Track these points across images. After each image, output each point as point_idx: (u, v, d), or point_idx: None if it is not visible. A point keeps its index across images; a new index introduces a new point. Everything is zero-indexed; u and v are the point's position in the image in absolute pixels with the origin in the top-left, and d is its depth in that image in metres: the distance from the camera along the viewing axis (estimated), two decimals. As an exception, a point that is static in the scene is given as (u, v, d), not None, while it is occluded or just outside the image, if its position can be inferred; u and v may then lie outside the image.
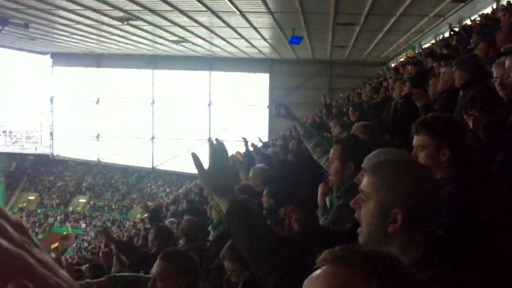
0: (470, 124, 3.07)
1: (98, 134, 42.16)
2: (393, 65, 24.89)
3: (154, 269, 2.61)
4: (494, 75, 3.64)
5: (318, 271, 1.02)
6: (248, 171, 5.49)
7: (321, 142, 4.16)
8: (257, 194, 4.78)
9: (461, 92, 4.49)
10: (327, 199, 3.19)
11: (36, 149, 50.31)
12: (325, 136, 5.17)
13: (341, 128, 5.02)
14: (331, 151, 3.11)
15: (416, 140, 2.52)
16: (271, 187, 4.40)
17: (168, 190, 45.23)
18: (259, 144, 14.07)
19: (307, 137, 4.26)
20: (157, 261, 2.64)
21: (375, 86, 12.76)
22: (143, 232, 11.90)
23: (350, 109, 7.41)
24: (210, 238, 4.90)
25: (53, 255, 41.34)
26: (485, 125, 2.98)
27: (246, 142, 10.48)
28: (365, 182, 1.63)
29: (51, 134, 44.31)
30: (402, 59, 23.15)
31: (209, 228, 4.95)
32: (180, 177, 43.68)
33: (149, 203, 23.02)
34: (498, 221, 2.61)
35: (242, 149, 15.81)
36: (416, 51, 16.53)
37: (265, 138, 24.97)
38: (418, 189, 1.56)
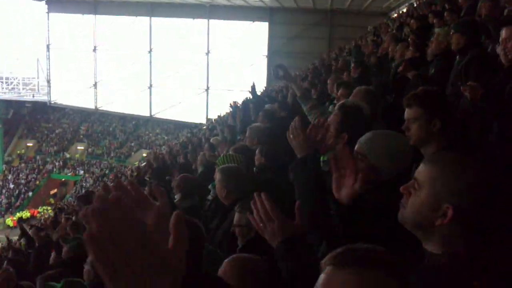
0: (468, 95, 3.03)
1: (96, 82, 41.80)
2: (395, 15, 24.38)
3: None
4: (503, 36, 3.39)
5: (339, 275, 1.04)
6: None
7: (316, 104, 4.13)
8: (253, 153, 4.77)
9: (457, 57, 4.40)
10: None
11: (33, 96, 50.01)
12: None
13: (345, 90, 4.84)
14: (332, 115, 3.11)
15: (408, 112, 2.61)
16: (264, 147, 4.39)
17: (165, 138, 45.40)
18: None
19: (303, 99, 4.23)
20: None
21: (373, 40, 12.45)
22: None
23: (352, 64, 7.26)
24: (210, 197, 4.90)
25: (51, 201, 42.07)
26: (482, 95, 2.95)
27: (254, 88, 10.25)
28: (421, 170, 1.62)
29: (48, 81, 43.88)
30: (404, 10, 22.61)
31: (210, 186, 4.95)
32: (177, 126, 43.75)
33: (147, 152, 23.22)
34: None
35: (240, 99, 15.78)
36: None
37: (263, 88, 24.79)
38: (474, 192, 1.54)
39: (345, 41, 23.58)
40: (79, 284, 3.29)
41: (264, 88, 17.14)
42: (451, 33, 4.49)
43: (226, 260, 2.21)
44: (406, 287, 1.04)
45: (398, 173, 2.19)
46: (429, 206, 1.55)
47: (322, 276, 1.08)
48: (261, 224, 1.88)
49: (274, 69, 4.22)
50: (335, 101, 5.41)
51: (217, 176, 3.66)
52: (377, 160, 2.21)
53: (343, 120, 2.93)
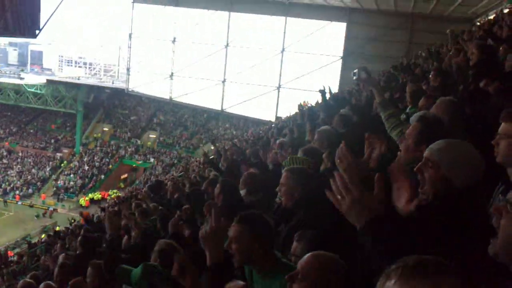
0: None
1: (172, 73, 42.99)
2: (479, 22, 23.20)
3: (230, 232, 2.65)
4: None
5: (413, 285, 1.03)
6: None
7: (396, 113, 3.96)
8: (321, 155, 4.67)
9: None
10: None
11: (113, 83, 52.26)
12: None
13: (427, 100, 4.63)
14: (410, 127, 2.96)
15: (502, 127, 2.43)
16: (332, 151, 4.27)
17: (234, 133, 45.97)
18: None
19: (383, 106, 4.07)
20: (233, 224, 2.67)
21: (456, 48, 11.81)
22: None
23: (432, 72, 6.90)
24: (278, 199, 4.84)
25: (121, 185, 43.84)
26: None
27: (323, 92, 10.05)
28: None
29: (128, 69, 45.68)
30: (491, 17, 21.46)
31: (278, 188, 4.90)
32: (247, 122, 44.15)
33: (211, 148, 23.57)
34: None
35: (311, 99, 15.72)
36: None
37: (335, 90, 24.50)
38: None
39: (425, 47, 22.75)
40: (157, 269, 3.38)
41: (335, 90, 16.92)
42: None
43: (310, 254, 2.16)
44: None
45: (469, 185, 2.08)
46: None
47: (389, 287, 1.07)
48: (338, 197, 1.78)
49: (357, 71, 4.10)
50: (407, 111, 5.19)
51: (284, 175, 3.58)
52: (448, 169, 2.11)
53: (422, 132, 2.79)
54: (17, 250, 27.19)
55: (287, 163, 4.48)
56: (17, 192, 43.30)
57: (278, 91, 39.48)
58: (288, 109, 19.93)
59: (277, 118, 26.34)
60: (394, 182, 2.04)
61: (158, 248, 3.75)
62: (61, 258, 6.34)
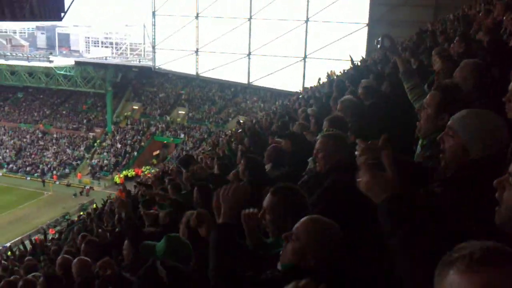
0: None
1: (197, 49, 43.00)
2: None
3: (265, 202, 2.67)
4: None
5: (480, 275, 1.01)
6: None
7: (420, 84, 3.93)
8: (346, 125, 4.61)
9: None
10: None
11: (139, 62, 52.59)
12: None
13: (444, 62, 4.49)
14: (428, 96, 2.90)
15: None
16: (355, 123, 4.26)
17: (262, 105, 45.93)
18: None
19: (406, 76, 4.04)
20: (268, 195, 2.69)
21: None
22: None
23: (457, 38, 6.61)
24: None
25: (154, 161, 44.59)
26: None
27: (352, 60, 9.79)
28: None
29: (153, 47, 45.86)
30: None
31: (309, 159, 4.90)
32: (275, 94, 44.00)
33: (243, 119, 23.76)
34: None
35: (338, 69, 15.58)
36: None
37: (363, 55, 24.04)
38: None
39: (453, 10, 22.08)
40: (180, 240, 3.45)
41: (362, 58, 16.67)
42: None
43: (307, 216, 2.19)
44: None
45: (489, 154, 2.03)
46: None
47: (454, 278, 1.04)
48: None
49: (380, 39, 4.06)
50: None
51: (321, 141, 3.42)
52: (467, 138, 2.08)
53: (442, 100, 2.76)
54: (58, 228, 28.21)
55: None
56: (54, 172, 44.57)
57: (304, 62, 39.09)
58: (315, 80, 19.74)
59: (304, 89, 26.14)
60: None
61: (185, 219, 3.73)
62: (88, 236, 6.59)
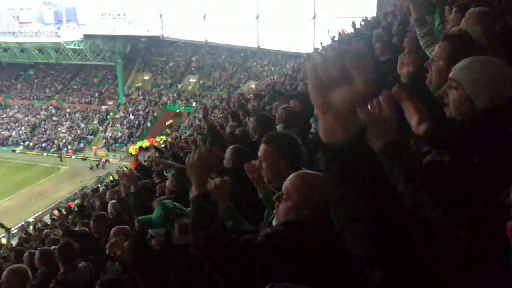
0: None
1: (205, 15, 42.40)
2: None
3: (259, 152, 2.75)
4: None
5: None
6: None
7: (433, 30, 3.70)
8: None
9: None
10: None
11: (147, 31, 52.06)
12: None
13: (458, 11, 4.23)
14: (437, 48, 2.68)
15: None
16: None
17: (272, 69, 45.45)
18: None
19: (419, 23, 3.82)
20: (261, 145, 2.77)
21: None
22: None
23: None
24: (312, 130, 4.76)
25: (168, 131, 44.69)
26: None
27: (354, 24, 9.55)
28: None
29: (161, 16, 45.33)
30: None
31: (311, 120, 4.79)
32: (285, 56, 43.46)
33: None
34: None
35: (348, 27, 15.21)
36: None
37: (373, 14, 23.41)
38: None
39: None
40: (175, 206, 3.28)
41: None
42: None
43: (294, 174, 2.15)
44: None
45: (495, 104, 1.88)
46: None
47: None
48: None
49: None
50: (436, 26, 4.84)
51: None
52: (472, 88, 1.93)
53: (452, 51, 2.54)
54: (77, 201, 28.58)
55: None
56: (70, 146, 44.96)
57: (314, 21, 38.36)
58: (326, 39, 19.31)
59: (315, 49, 25.60)
60: (402, 104, 1.98)
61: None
62: (110, 205, 6.60)
